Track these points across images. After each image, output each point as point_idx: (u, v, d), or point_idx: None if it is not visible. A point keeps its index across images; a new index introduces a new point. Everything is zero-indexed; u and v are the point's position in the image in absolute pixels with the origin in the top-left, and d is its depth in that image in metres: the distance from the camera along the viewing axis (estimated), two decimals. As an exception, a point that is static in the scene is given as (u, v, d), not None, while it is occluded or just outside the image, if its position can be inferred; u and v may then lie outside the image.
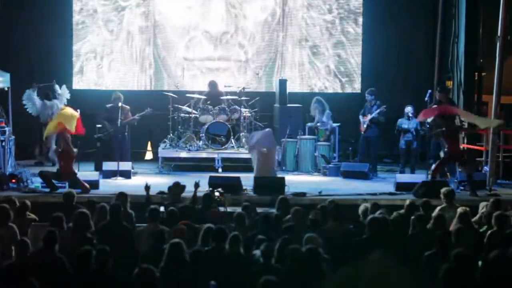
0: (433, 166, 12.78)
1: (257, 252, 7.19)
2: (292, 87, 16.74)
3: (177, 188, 10.43)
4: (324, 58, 17.65)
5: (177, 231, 8.13)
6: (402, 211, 9.44)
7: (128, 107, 14.43)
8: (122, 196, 9.64)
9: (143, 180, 13.49)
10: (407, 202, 9.65)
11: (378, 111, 14.40)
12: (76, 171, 12.59)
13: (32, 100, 14.86)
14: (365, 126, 14.52)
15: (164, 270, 6.57)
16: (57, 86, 14.71)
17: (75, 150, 12.64)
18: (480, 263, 7.27)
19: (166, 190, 10.96)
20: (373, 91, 14.73)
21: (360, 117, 14.66)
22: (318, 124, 14.92)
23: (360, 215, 9.33)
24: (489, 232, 8.44)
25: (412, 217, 8.71)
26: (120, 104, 14.17)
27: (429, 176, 12.79)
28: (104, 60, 17.56)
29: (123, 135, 14.23)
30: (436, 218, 8.51)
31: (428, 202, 9.68)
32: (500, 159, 14.05)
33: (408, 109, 14.45)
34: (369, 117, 14.46)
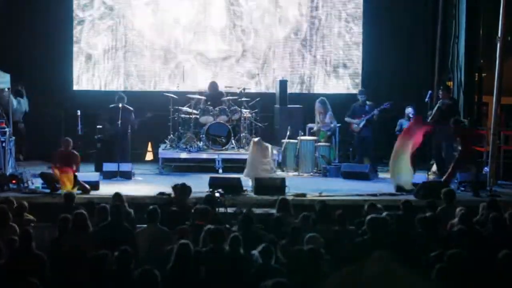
0: (450, 170, 12.46)
1: (255, 253, 7.20)
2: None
3: (183, 189, 10.40)
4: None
5: (181, 232, 8.14)
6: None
7: (131, 108, 14.33)
8: (117, 196, 9.70)
9: (141, 180, 13.59)
10: (401, 201, 9.69)
11: (382, 107, 14.41)
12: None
13: (6, 100, 15.06)
14: (361, 125, 14.53)
15: (172, 271, 6.58)
16: (20, 91, 14.90)
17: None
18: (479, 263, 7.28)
19: (166, 191, 10.99)
20: (364, 91, 14.82)
21: (348, 118, 14.63)
22: (319, 125, 14.90)
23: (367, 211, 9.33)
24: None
25: (416, 217, 8.72)
26: (121, 104, 14.15)
27: (443, 180, 12.48)
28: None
29: (124, 136, 14.20)
30: (423, 220, 8.48)
31: (433, 202, 9.71)
32: (500, 160, 14.05)
33: (409, 110, 14.49)
34: (363, 116, 14.46)
